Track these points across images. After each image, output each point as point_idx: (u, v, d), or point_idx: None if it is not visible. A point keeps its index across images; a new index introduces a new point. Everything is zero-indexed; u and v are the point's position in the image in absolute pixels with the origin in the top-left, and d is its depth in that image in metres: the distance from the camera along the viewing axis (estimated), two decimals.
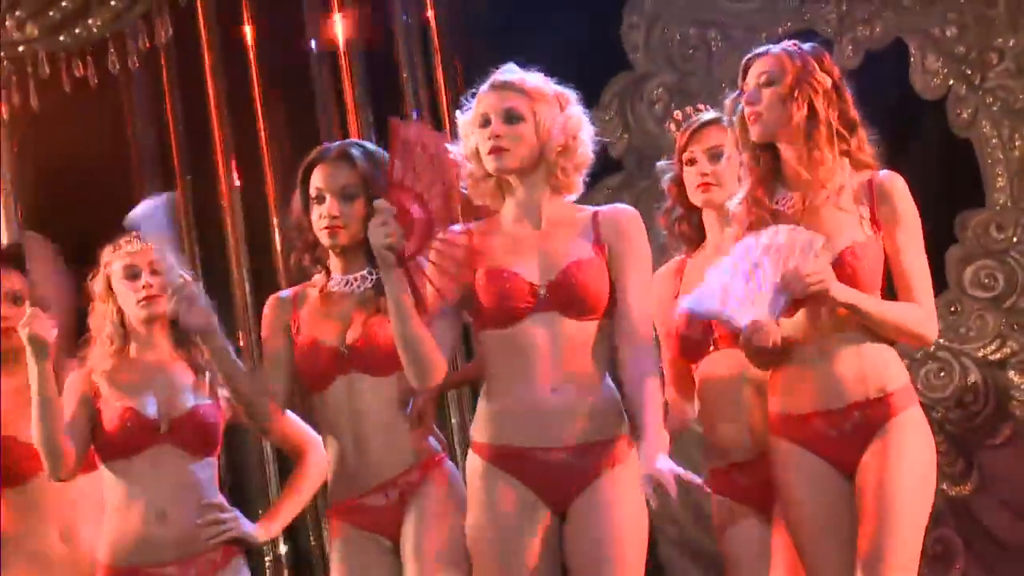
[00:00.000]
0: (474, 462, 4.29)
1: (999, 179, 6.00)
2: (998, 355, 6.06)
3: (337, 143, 4.70)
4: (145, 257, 4.90)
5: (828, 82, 4.24)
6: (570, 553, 4.24)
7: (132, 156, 6.68)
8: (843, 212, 4.22)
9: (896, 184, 4.22)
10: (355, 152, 4.60)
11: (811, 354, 4.23)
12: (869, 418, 4.19)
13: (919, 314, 4.19)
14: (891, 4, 6.11)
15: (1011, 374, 6.10)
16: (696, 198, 4.44)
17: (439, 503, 4.54)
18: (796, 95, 4.22)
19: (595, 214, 4.28)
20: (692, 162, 4.45)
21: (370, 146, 4.72)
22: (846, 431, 4.21)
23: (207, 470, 4.87)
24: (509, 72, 4.30)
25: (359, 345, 4.51)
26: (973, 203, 5.93)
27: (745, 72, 4.30)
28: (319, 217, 4.52)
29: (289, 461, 5.21)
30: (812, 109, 4.22)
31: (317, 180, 4.53)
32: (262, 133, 6.78)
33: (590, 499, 4.23)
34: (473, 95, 4.32)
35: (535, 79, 4.27)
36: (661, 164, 4.73)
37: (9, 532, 5.12)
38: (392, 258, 4.19)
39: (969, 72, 6.06)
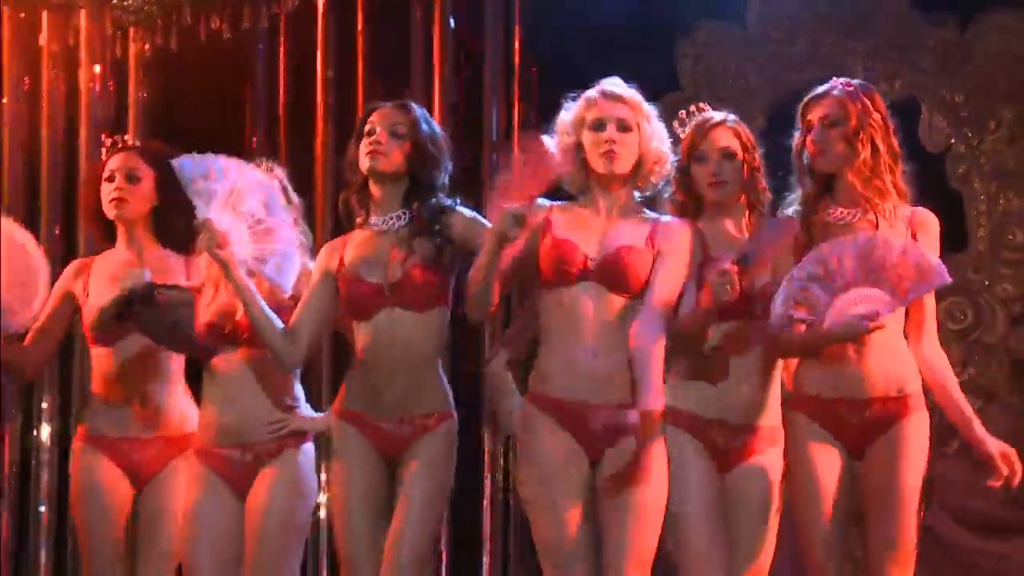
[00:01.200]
0: (531, 409, 4.33)
1: (981, 229, 6.02)
2: (958, 379, 6.01)
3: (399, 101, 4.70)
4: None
5: (880, 118, 4.27)
6: (602, 491, 4.27)
7: (247, 106, 6.66)
8: (894, 232, 4.22)
9: (933, 221, 4.28)
10: (412, 105, 4.62)
11: (848, 348, 4.19)
12: (887, 413, 4.20)
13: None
14: (912, 66, 6.13)
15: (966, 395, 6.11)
16: (709, 193, 4.36)
17: (442, 455, 4.54)
18: (860, 136, 4.24)
19: (656, 220, 4.32)
20: (702, 159, 4.36)
21: (419, 106, 4.72)
22: (865, 421, 4.20)
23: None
24: (617, 85, 4.34)
25: (397, 282, 4.47)
26: (956, 247, 5.91)
27: (805, 110, 4.32)
28: (367, 144, 4.53)
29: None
30: (873, 145, 4.24)
31: (373, 118, 4.54)
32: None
33: (620, 450, 4.24)
34: (573, 97, 4.36)
35: (638, 96, 4.32)
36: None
37: None
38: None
39: (969, 134, 6.07)
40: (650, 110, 4.32)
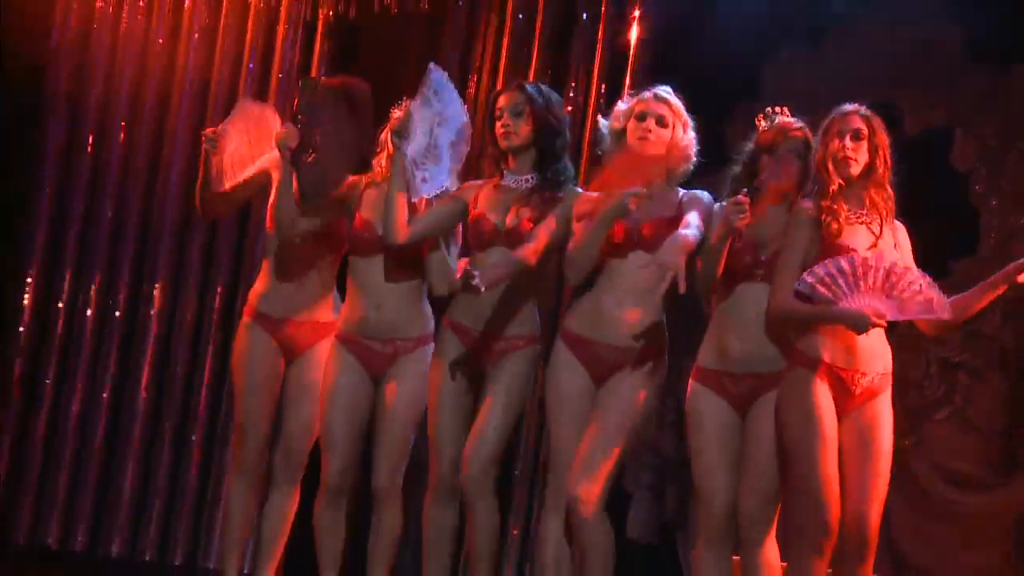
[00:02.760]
0: (559, 343, 4.45)
1: (991, 240, 5.96)
2: (957, 358, 6.01)
3: (518, 83, 4.72)
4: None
5: (887, 141, 4.28)
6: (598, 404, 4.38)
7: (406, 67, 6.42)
8: (891, 233, 4.25)
9: (907, 234, 4.30)
10: (528, 86, 4.64)
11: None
12: (874, 388, 4.17)
13: None
14: (953, 99, 6.05)
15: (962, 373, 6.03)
16: (781, 183, 4.33)
17: (523, 372, 4.57)
18: (879, 150, 4.25)
19: (681, 193, 4.40)
20: (771, 151, 4.35)
21: (542, 87, 4.70)
22: (859, 390, 4.16)
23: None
24: (667, 92, 4.46)
25: (512, 227, 4.52)
26: (968, 252, 5.87)
27: (833, 124, 4.27)
28: (499, 127, 4.56)
29: None
30: (885, 161, 4.25)
31: (500, 103, 4.58)
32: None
33: (619, 380, 4.36)
34: (633, 94, 4.49)
35: (681, 105, 4.45)
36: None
37: None
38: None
39: (992, 160, 6.02)
40: (687, 119, 4.44)
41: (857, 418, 4.18)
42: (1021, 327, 5.91)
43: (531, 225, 4.49)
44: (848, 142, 4.24)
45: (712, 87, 5.53)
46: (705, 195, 4.40)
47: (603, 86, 6.32)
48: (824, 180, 4.26)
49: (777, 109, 4.45)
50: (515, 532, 6.18)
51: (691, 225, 4.19)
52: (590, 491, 4.25)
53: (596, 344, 4.38)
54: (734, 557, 4.34)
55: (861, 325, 4.08)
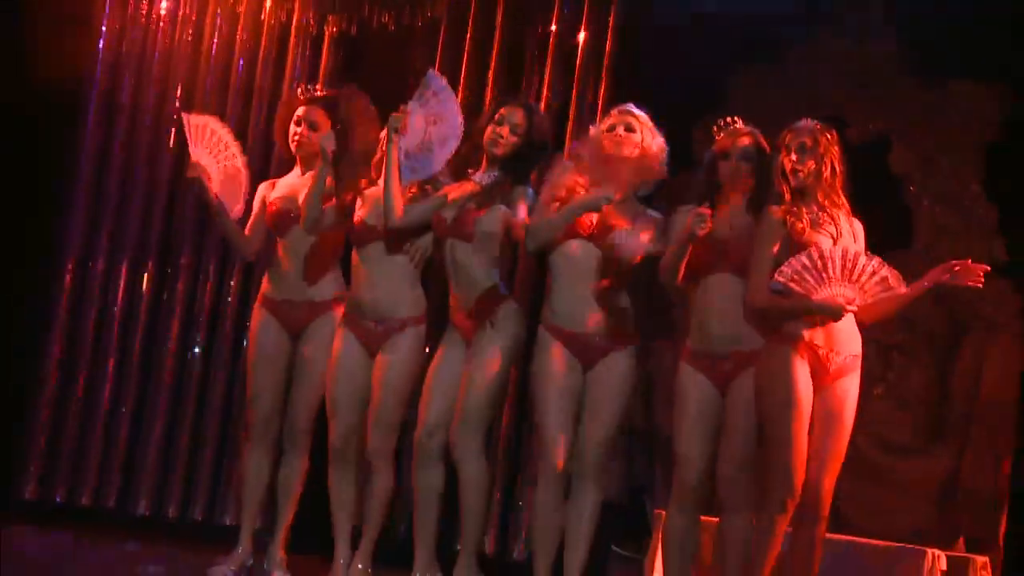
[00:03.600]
0: (543, 332, 4.50)
1: (923, 235, 5.94)
2: (893, 339, 5.91)
3: (521, 100, 4.86)
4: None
5: (838, 150, 4.32)
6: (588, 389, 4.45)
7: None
8: (849, 231, 4.29)
9: (862, 230, 4.36)
10: (532, 107, 4.74)
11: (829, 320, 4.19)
12: (845, 367, 4.21)
13: None
14: (892, 109, 6.06)
15: (895, 353, 5.96)
16: (736, 186, 4.38)
17: (499, 339, 4.59)
18: (826, 159, 4.28)
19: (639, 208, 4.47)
20: (726, 156, 4.37)
21: (539, 110, 4.82)
22: (833, 367, 4.20)
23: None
24: (631, 106, 4.54)
25: (456, 218, 4.58)
26: (903, 246, 5.85)
27: (786, 138, 4.32)
28: (493, 132, 4.60)
29: None
30: (833, 168, 4.29)
31: (503, 112, 4.64)
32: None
33: (605, 364, 4.44)
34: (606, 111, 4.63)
35: (643, 114, 4.52)
36: None
37: None
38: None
39: (923, 164, 6.02)
40: (653, 127, 4.51)
41: (828, 394, 4.21)
42: (948, 313, 5.88)
43: (474, 216, 4.55)
44: (794, 155, 4.28)
45: (682, 101, 5.55)
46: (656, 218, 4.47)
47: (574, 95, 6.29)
48: (781, 189, 4.31)
49: (730, 119, 4.48)
50: (497, 495, 6.18)
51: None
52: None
53: (577, 334, 4.45)
54: (713, 519, 4.39)
55: (836, 312, 4.13)
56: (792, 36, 6.27)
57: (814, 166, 4.28)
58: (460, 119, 4.71)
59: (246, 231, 5.09)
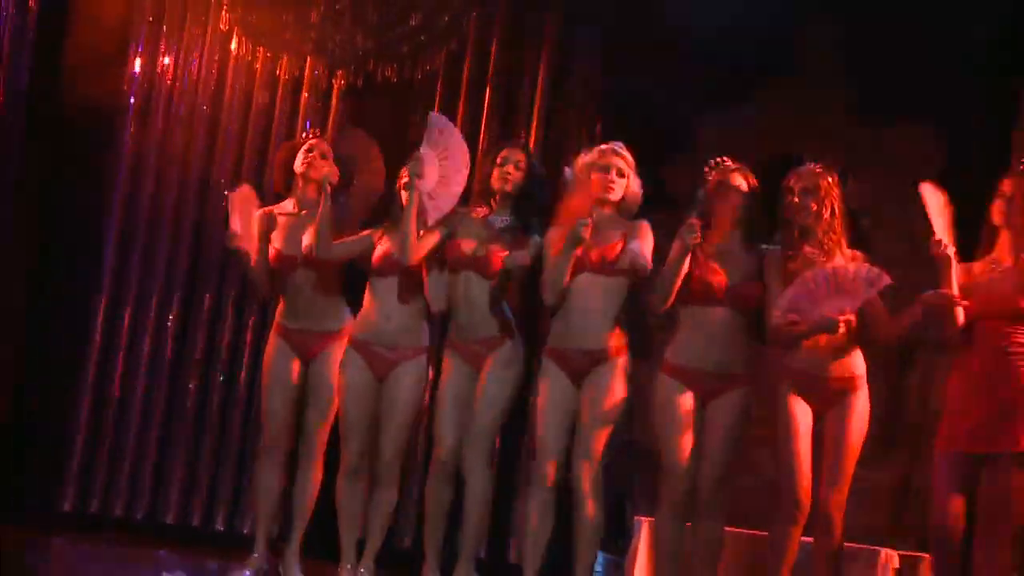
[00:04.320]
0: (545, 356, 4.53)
1: (877, 264, 5.48)
2: None
3: (519, 143, 4.92)
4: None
5: (838, 192, 4.37)
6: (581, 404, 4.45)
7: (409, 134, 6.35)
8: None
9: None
10: (528, 147, 4.92)
11: (821, 342, 4.24)
12: (845, 389, 4.26)
13: None
14: (846, 146, 5.92)
15: None
16: (726, 216, 4.42)
17: (506, 362, 4.65)
18: (827, 201, 4.34)
19: (628, 225, 4.47)
20: (719, 192, 4.38)
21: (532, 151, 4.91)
22: (831, 392, 4.25)
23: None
24: (620, 146, 4.55)
25: (481, 256, 4.62)
26: None
27: (790, 180, 4.35)
28: (500, 173, 4.65)
29: None
30: (833, 210, 4.35)
31: (505, 153, 4.70)
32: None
33: (594, 377, 4.42)
34: (591, 146, 4.60)
35: (630, 156, 4.54)
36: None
37: None
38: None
39: (874, 199, 5.84)
40: (634, 165, 4.51)
41: (830, 416, 4.25)
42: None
43: (498, 255, 4.58)
44: (797, 198, 4.32)
45: (653, 140, 5.60)
46: (645, 222, 4.49)
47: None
48: (785, 228, 4.36)
49: (721, 159, 4.50)
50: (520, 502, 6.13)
51: (633, 247, 4.35)
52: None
53: (570, 351, 4.45)
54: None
55: (832, 327, 4.15)
56: (752, 80, 6.28)
57: (815, 208, 4.31)
58: (465, 149, 4.77)
59: (256, 267, 5.08)
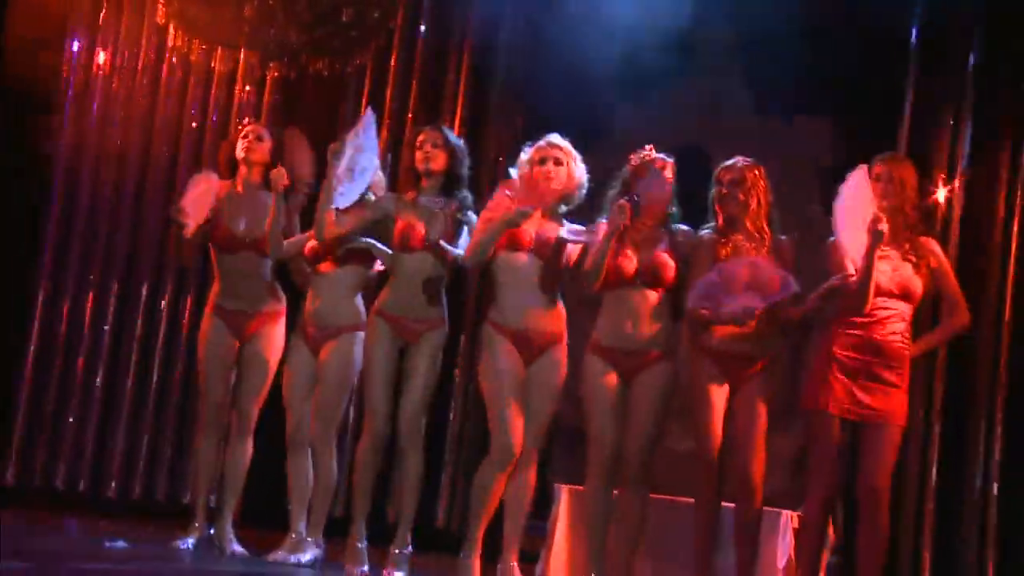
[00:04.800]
0: (490, 329, 4.43)
1: None
2: None
3: (436, 124, 4.82)
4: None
5: (764, 184, 4.38)
6: (530, 380, 4.42)
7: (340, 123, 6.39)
8: (775, 252, 4.34)
9: (789, 249, 4.39)
10: (444, 127, 4.78)
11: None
12: (760, 368, 4.28)
13: None
14: (747, 140, 5.50)
15: None
16: (651, 199, 4.39)
17: (439, 346, 4.66)
18: (753, 192, 4.34)
19: (563, 218, 4.47)
20: (642, 178, 4.36)
21: (449, 130, 4.82)
22: (746, 370, 4.28)
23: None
24: (557, 138, 4.50)
25: (435, 240, 4.57)
26: None
27: (720, 173, 4.37)
28: (421, 154, 4.61)
29: None
30: (759, 200, 4.34)
31: (421, 136, 4.64)
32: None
33: (543, 358, 4.41)
34: (530, 143, 4.51)
35: (567, 144, 4.49)
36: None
37: None
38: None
39: (776, 190, 5.48)
40: (576, 155, 4.48)
41: (747, 390, 4.29)
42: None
43: (448, 238, 4.58)
44: (726, 188, 4.35)
45: (570, 130, 5.66)
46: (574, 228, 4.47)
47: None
48: (715, 216, 4.38)
49: (645, 148, 4.49)
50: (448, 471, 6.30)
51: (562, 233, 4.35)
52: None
53: (523, 331, 4.41)
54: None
55: (740, 321, 4.20)
56: (661, 76, 6.28)
57: (743, 198, 4.34)
58: (378, 152, 4.79)
59: (191, 237, 5.03)
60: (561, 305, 4.49)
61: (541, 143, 4.52)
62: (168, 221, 5.14)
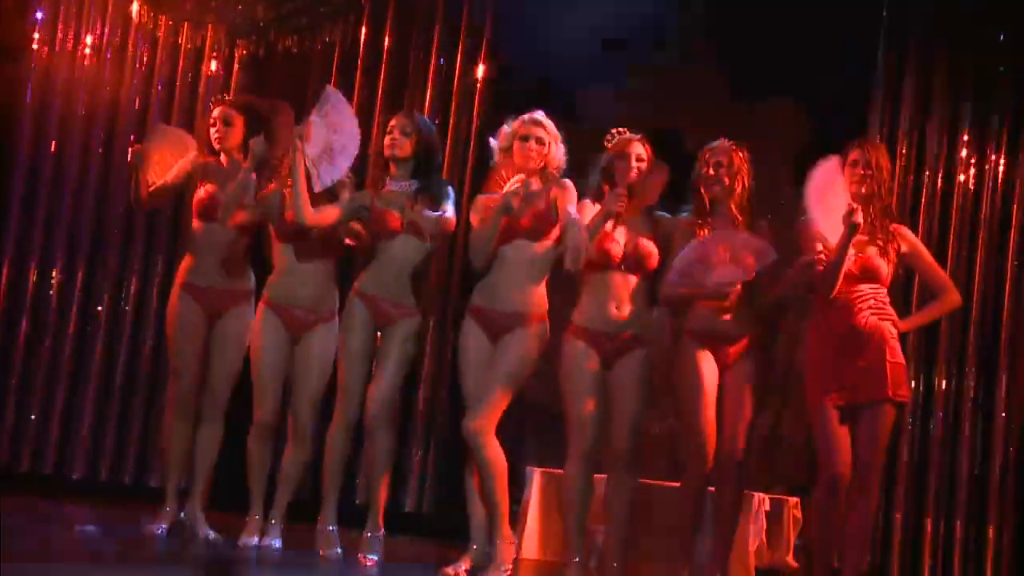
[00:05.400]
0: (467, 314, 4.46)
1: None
2: None
3: (406, 110, 4.82)
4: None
5: (748, 167, 4.40)
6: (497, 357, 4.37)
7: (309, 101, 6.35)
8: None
9: (768, 232, 4.36)
10: (416, 113, 4.79)
11: (721, 305, 4.29)
12: (742, 349, 4.29)
13: None
14: (720, 122, 5.54)
15: None
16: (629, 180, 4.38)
17: (414, 331, 4.67)
18: (739, 176, 4.36)
19: (551, 186, 4.42)
20: (620, 159, 4.36)
21: (420, 114, 4.83)
22: (731, 350, 4.28)
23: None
24: (540, 115, 4.49)
25: (411, 221, 4.59)
26: None
27: (704, 155, 4.37)
28: (389, 140, 4.61)
29: None
30: (744, 184, 4.38)
31: (392, 122, 4.65)
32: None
33: (510, 337, 4.37)
34: (514, 117, 4.49)
35: (550, 123, 4.48)
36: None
37: None
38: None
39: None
40: (557, 133, 4.48)
41: (733, 371, 4.30)
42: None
43: (422, 220, 4.57)
44: (711, 171, 4.35)
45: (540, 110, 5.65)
46: (568, 181, 4.43)
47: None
48: (697, 198, 4.37)
49: (619, 130, 4.49)
50: (417, 456, 6.32)
51: (571, 212, 4.28)
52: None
53: (492, 312, 4.39)
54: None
55: (721, 294, 4.21)
56: (634, 59, 6.35)
57: (728, 182, 4.34)
58: (357, 128, 4.70)
59: (162, 183, 4.97)
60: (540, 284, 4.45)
61: (525, 118, 4.49)
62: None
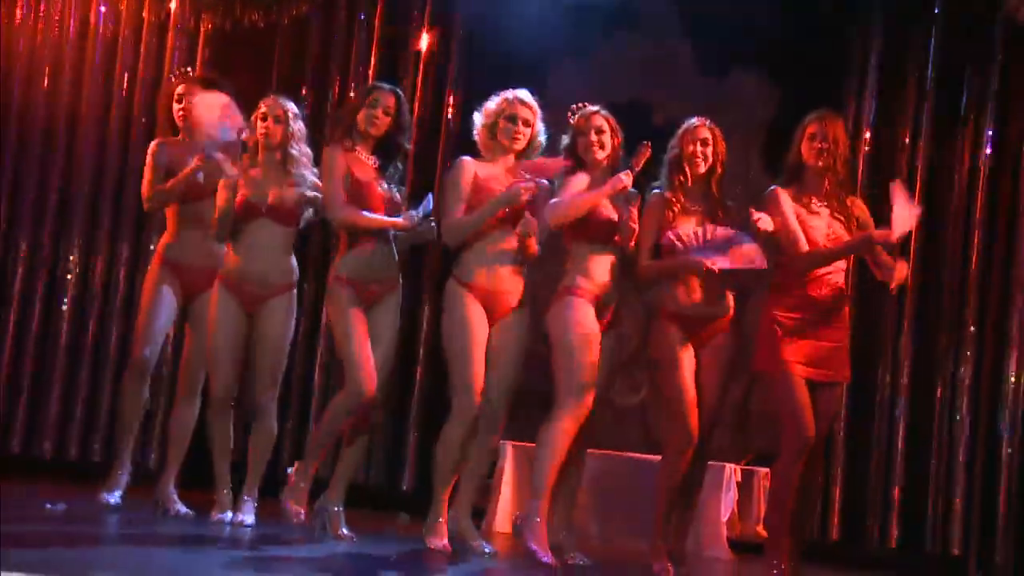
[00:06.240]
0: (459, 289, 4.39)
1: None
2: None
3: (391, 87, 4.66)
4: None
5: (724, 147, 4.41)
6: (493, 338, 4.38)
7: (276, 76, 6.44)
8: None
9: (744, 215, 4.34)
10: (400, 94, 4.62)
11: (699, 286, 4.29)
12: (720, 326, 4.32)
13: None
14: (686, 95, 6.03)
15: None
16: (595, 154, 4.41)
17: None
18: (719, 154, 4.37)
19: (526, 168, 4.42)
20: (583, 134, 4.40)
21: (404, 98, 4.70)
22: (708, 328, 4.29)
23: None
24: (528, 95, 4.48)
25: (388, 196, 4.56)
26: None
27: (686, 134, 4.37)
28: (367, 114, 4.50)
29: None
30: (721, 162, 4.38)
31: (378, 97, 4.54)
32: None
33: (507, 319, 4.39)
34: (496, 92, 4.47)
35: (535, 103, 4.48)
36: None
37: None
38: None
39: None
40: (540, 112, 4.48)
41: (711, 355, 4.31)
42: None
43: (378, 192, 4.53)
44: (698, 148, 4.35)
45: (511, 83, 5.64)
46: (555, 166, 4.44)
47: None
48: (674, 175, 4.35)
49: (583, 104, 4.48)
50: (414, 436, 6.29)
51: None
52: None
53: (493, 291, 4.37)
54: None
55: (698, 269, 4.21)
56: (601, 35, 6.32)
57: (711, 161, 4.35)
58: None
59: (152, 186, 4.94)
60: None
61: (510, 97, 4.46)
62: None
